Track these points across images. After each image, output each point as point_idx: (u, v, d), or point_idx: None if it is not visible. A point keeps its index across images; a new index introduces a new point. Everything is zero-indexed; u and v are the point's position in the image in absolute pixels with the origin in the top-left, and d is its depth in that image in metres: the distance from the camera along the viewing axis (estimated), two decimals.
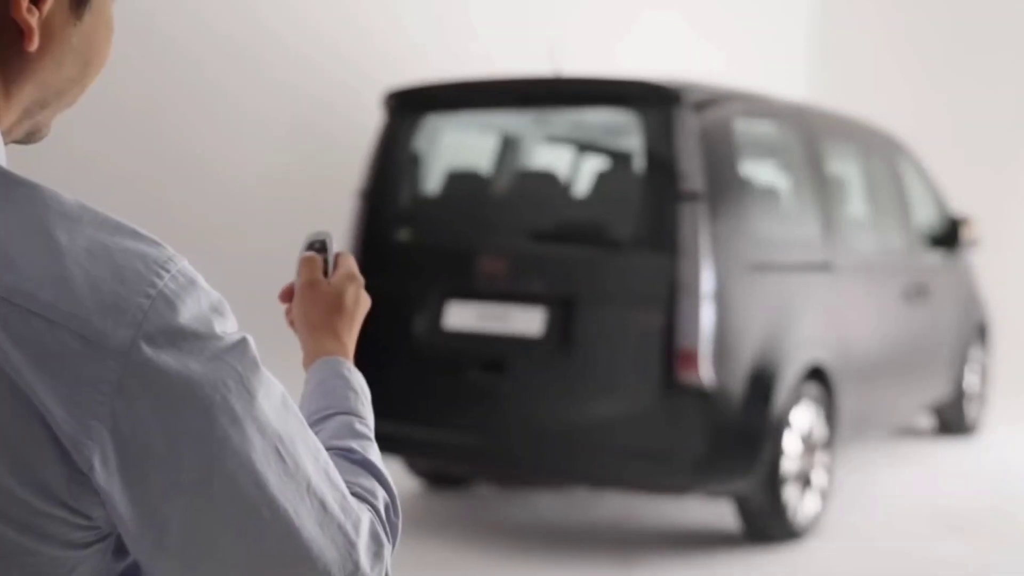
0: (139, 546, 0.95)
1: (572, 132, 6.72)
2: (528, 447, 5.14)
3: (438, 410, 5.32)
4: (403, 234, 5.65)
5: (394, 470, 5.69)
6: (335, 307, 1.40)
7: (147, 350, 0.91)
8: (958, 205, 8.41)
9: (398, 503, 1.14)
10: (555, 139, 6.87)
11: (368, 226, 5.55)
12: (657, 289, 4.87)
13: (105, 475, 0.91)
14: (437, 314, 5.27)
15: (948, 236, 7.61)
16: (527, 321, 5.08)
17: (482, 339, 5.20)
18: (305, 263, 1.43)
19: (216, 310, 0.97)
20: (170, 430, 0.92)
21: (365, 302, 1.45)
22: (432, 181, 5.83)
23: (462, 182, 5.75)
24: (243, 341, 0.97)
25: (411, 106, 5.69)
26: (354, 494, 1.07)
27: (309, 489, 0.98)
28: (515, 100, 5.75)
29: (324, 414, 1.26)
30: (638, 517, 5.84)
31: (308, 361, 1.38)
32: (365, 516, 1.05)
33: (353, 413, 1.27)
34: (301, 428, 1.01)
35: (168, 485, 0.92)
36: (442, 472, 6.16)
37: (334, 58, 7.39)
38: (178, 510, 0.93)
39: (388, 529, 1.09)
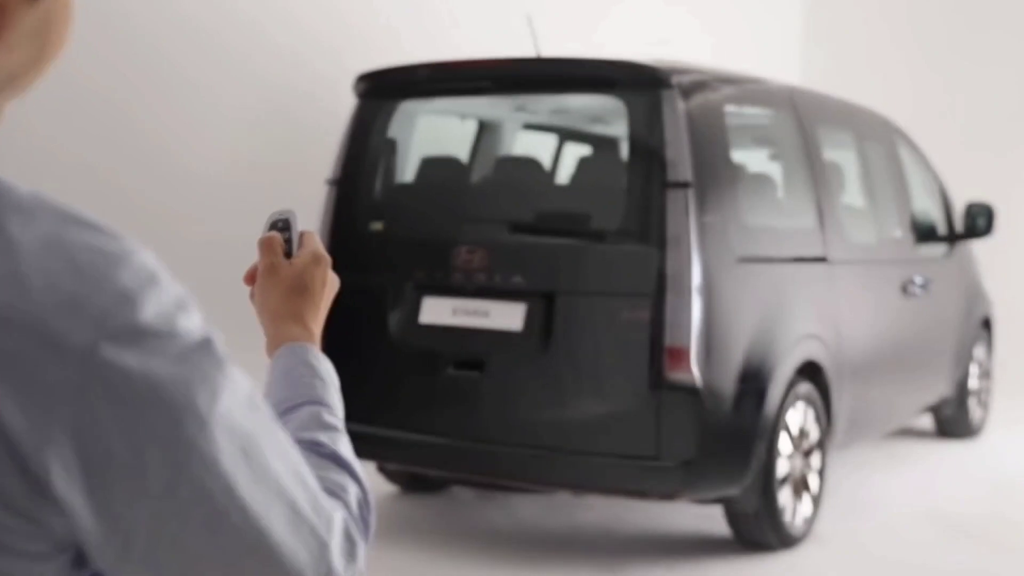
0: (103, 556, 0.94)
1: (554, 117, 6.72)
2: (508, 449, 5.14)
3: (413, 410, 5.32)
4: (376, 225, 5.63)
5: (367, 473, 5.68)
6: (298, 290, 1.39)
7: (108, 351, 0.89)
8: (959, 193, 8.43)
9: (371, 498, 1.14)
10: (536, 125, 6.86)
11: (340, 216, 5.55)
12: (643, 283, 4.87)
13: (66, 484, 0.90)
14: (412, 309, 5.27)
15: (965, 225, 7.62)
16: (507, 316, 5.09)
17: (459, 335, 5.20)
18: (265, 244, 1.41)
19: (180, 306, 0.96)
20: (134, 435, 0.91)
21: (333, 284, 1.43)
22: (407, 169, 5.82)
23: (438, 170, 5.74)
24: (208, 338, 0.97)
25: (384, 90, 5.68)
26: (324, 490, 1.07)
27: (279, 491, 0.99)
28: (494, 84, 5.74)
29: (290, 404, 1.26)
30: (623, 522, 5.85)
31: (272, 348, 1.36)
32: (337, 515, 1.05)
33: (320, 403, 1.27)
34: (270, 426, 1.01)
35: (133, 492, 0.92)
36: (417, 476, 6.16)
37: (305, 42, 7.38)
38: (144, 518, 0.93)
39: (361, 527, 1.09)
